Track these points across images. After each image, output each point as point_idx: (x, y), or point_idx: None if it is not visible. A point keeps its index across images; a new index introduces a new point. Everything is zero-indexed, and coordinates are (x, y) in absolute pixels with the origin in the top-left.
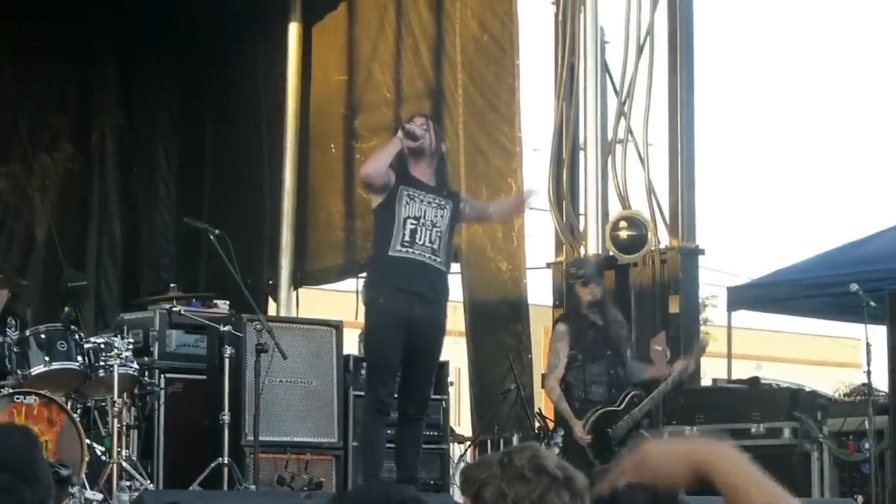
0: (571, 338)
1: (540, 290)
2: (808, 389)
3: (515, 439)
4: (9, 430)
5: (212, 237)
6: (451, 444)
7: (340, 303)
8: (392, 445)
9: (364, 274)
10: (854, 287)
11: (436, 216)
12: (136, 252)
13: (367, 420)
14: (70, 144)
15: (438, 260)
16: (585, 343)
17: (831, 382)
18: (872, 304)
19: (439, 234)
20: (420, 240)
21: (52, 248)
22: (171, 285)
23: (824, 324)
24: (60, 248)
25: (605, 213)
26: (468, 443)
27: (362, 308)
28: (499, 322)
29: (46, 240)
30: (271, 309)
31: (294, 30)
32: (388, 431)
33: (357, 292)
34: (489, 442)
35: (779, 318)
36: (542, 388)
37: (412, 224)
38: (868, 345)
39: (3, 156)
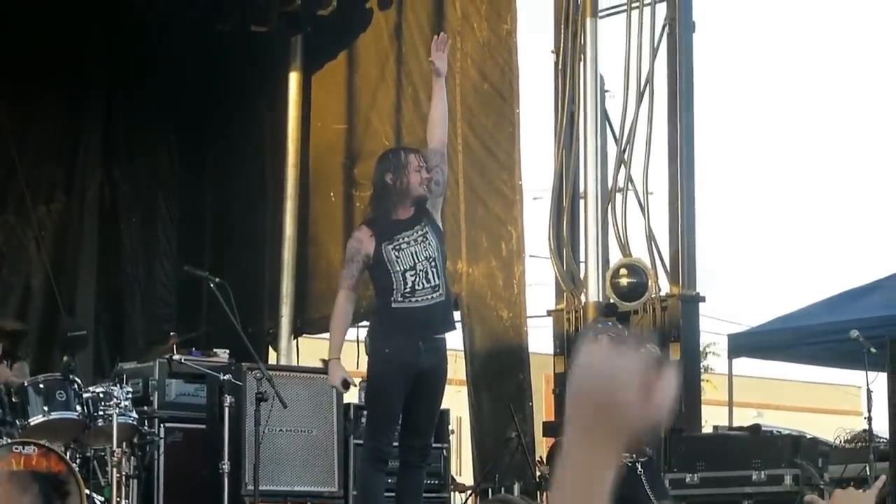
0: None
1: (540, 339)
2: (808, 436)
3: (517, 488)
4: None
5: (212, 285)
6: (452, 493)
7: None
8: (392, 494)
9: (365, 323)
10: (854, 334)
11: (426, 250)
12: (133, 302)
13: (366, 469)
14: (65, 195)
15: (440, 293)
16: None
17: (832, 430)
18: (873, 350)
19: (434, 265)
20: (420, 286)
21: (48, 298)
22: (171, 334)
23: (824, 371)
24: (59, 298)
25: (606, 261)
26: (469, 491)
27: (364, 357)
28: (500, 370)
29: (43, 290)
30: (271, 358)
31: (294, 79)
32: (388, 480)
33: (357, 341)
34: (490, 490)
35: (778, 366)
36: (544, 436)
37: (411, 276)
38: (869, 391)
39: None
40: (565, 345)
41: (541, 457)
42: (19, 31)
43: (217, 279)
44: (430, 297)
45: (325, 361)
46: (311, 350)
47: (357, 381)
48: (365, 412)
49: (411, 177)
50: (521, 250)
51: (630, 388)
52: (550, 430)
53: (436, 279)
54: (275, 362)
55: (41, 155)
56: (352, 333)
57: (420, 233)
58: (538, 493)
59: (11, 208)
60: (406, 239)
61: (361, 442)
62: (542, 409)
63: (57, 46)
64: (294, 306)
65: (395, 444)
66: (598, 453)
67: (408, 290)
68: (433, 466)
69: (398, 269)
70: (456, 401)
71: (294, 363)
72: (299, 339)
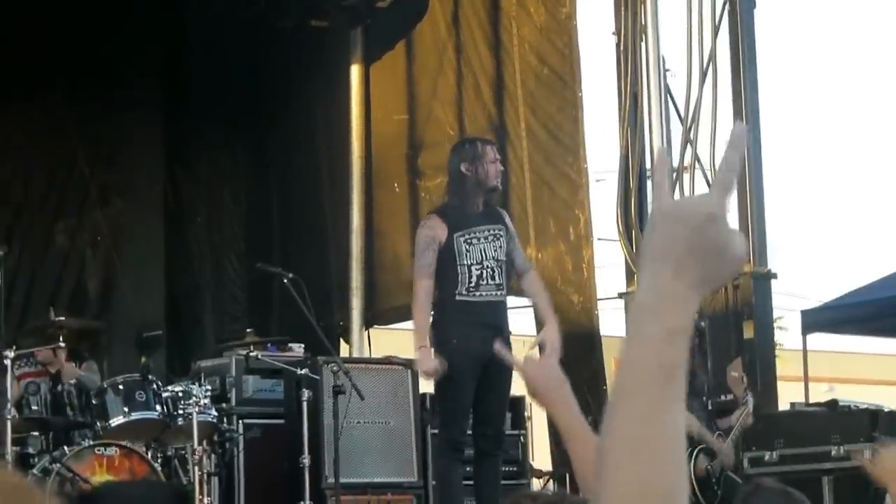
0: None
1: (612, 321)
2: (887, 409)
3: None
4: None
5: (286, 281)
6: (531, 479)
7: (410, 341)
8: (470, 483)
9: (433, 313)
10: None
11: (495, 250)
12: (203, 301)
13: (442, 461)
14: (126, 197)
15: (502, 292)
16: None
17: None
18: None
19: (500, 266)
20: (485, 281)
21: (110, 299)
22: (248, 330)
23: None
24: (127, 300)
25: None
26: (547, 477)
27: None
28: (573, 355)
29: (103, 291)
30: (343, 350)
31: (356, 72)
32: (466, 469)
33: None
34: (567, 475)
35: (848, 340)
36: None
37: (477, 270)
38: None
39: (60, 211)
40: None
41: None
42: (77, 32)
43: (291, 275)
44: (493, 294)
45: (388, 359)
46: (381, 341)
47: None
48: (436, 403)
49: (488, 167)
50: (590, 234)
51: (739, 241)
52: None
53: (500, 279)
54: (347, 355)
55: (101, 156)
56: (408, 323)
57: (493, 232)
58: None
59: (73, 210)
60: (478, 234)
61: (437, 432)
62: None
63: (115, 46)
64: (363, 298)
65: (469, 433)
66: (691, 290)
67: (472, 284)
68: (511, 454)
69: (465, 262)
70: None
71: (366, 355)
72: (369, 330)
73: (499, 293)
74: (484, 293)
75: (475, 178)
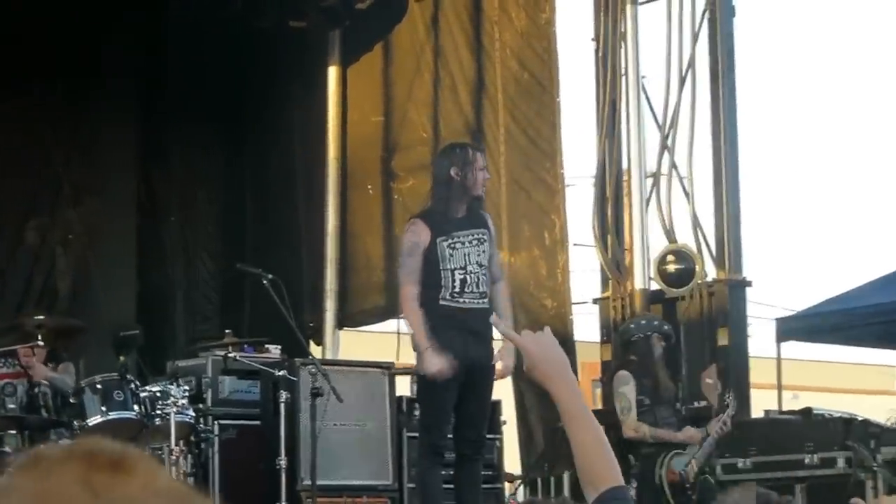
0: (637, 383)
1: (585, 327)
2: (860, 418)
3: (567, 476)
4: None
5: (266, 282)
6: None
7: (380, 344)
8: (450, 486)
9: (402, 315)
10: None
11: (479, 255)
12: (175, 300)
13: (423, 464)
14: (99, 195)
15: (486, 300)
16: (650, 387)
17: (870, 410)
18: None
19: (485, 272)
20: (469, 288)
21: (81, 299)
22: (227, 331)
23: (865, 352)
24: (99, 299)
25: (650, 248)
26: (518, 481)
27: (407, 350)
28: None
29: (76, 291)
30: (314, 352)
31: (333, 73)
32: (446, 473)
33: (399, 333)
34: (539, 480)
35: (813, 348)
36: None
37: (460, 275)
38: None
39: (31, 208)
40: (611, 333)
41: None
42: (53, 30)
43: (270, 276)
44: (477, 302)
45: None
46: (350, 343)
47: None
48: (418, 406)
49: (477, 174)
50: (565, 239)
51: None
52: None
53: (484, 287)
54: (319, 357)
55: (75, 154)
56: (390, 325)
57: (477, 237)
58: None
59: (45, 208)
60: (462, 239)
61: (415, 435)
62: (588, 397)
63: (90, 44)
64: (336, 300)
65: (450, 436)
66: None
67: (456, 290)
68: (487, 458)
69: (449, 266)
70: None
71: (337, 357)
72: (339, 332)
73: (482, 301)
74: (468, 300)
75: (462, 184)
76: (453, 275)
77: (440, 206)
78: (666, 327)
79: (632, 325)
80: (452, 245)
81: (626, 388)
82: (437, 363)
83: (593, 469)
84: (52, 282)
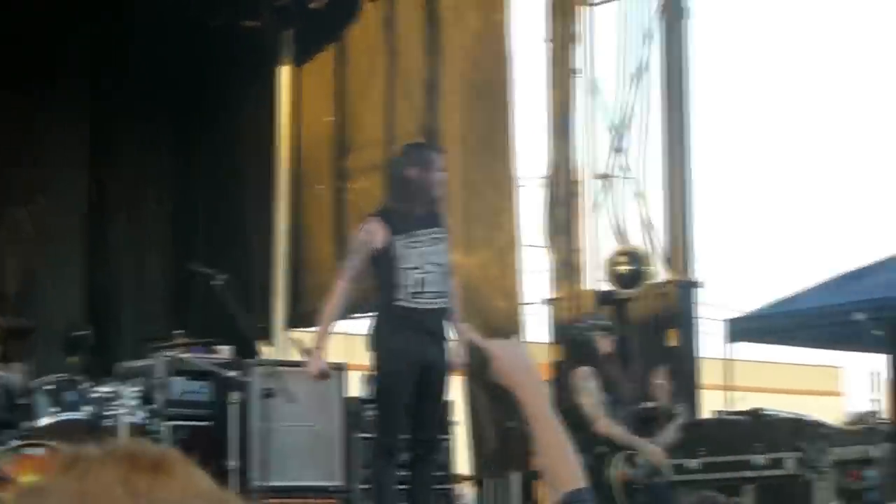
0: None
1: (536, 327)
2: (810, 419)
3: (517, 478)
4: None
5: (214, 283)
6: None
7: (332, 344)
8: (404, 487)
9: (355, 314)
10: (860, 316)
11: (436, 254)
12: (123, 299)
13: (378, 464)
14: (46, 194)
15: (444, 300)
16: (606, 386)
17: (813, 411)
18: (877, 332)
19: (443, 271)
20: (426, 288)
21: (27, 299)
22: (180, 332)
23: (808, 353)
24: (47, 298)
25: (601, 249)
26: (469, 482)
27: (359, 350)
28: None
29: (22, 291)
30: (265, 353)
31: (285, 73)
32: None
33: (346, 334)
34: (489, 481)
35: (761, 349)
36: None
37: (418, 274)
38: (873, 374)
39: None
40: (574, 340)
41: None
42: (4, 28)
43: (221, 276)
44: (434, 302)
45: (306, 351)
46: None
47: (360, 374)
48: (372, 406)
49: (434, 175)
50: (517, 240)
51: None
52: None
53: (440, 286)
54: (268, 357)
55: (23, 153)
56: (341, 326)
57: (435, 237)
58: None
59: None
60: (420, 237)
61: (365, 436)
62: None
63: (40, 42)
64: (287, 300)
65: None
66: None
67: (414, 290)
68: (437, 459)
69: (406, 265)
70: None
71: (287, 358)
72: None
73: (439, 301)
74: (424, 301)
75: (420, 185)
76: (409, 275)
77: (398, 205)
78: (608, 324)
79: (576, 325)
80: (409, 244)
81: (592, 384)
82: (318, 366)
83: (558, 471)
84: (1, 282)
